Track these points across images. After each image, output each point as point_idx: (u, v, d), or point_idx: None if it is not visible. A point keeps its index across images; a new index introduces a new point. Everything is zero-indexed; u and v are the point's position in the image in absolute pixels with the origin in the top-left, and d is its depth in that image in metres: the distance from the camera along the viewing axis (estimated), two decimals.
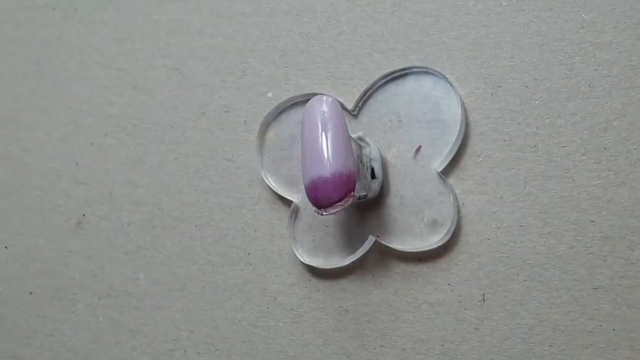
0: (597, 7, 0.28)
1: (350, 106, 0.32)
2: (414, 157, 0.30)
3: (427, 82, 0.30)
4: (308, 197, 0.28)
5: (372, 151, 0.30)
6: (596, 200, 0.27)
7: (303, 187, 0.30)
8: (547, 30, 0.29)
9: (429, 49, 0.31)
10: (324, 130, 0.27)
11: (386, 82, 0.31)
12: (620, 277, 0.27)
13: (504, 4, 0.30)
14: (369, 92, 0.31)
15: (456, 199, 0.29)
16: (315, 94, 0.31)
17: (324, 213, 0.28)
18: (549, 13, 0.29)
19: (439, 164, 0.30)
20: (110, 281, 0.37)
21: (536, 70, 0.29)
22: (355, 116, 0.32)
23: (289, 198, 0.33)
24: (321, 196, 0.27)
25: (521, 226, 0.28)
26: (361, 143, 0.30)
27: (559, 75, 0.29)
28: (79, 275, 0.38)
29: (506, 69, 0.29)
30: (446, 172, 0.30)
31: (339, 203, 0.27)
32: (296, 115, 0.33)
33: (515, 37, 0.29)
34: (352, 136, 0.30)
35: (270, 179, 0.33)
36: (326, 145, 0.27)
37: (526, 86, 0.29)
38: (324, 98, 0.28)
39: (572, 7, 0.29)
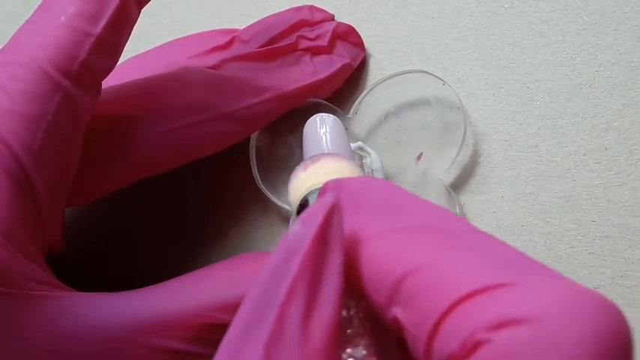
0: (598, 9, 0.29)
1: (348, 112, 0.31)
2: (416, 164, 0.30)
3: (425, 85, 0.30)
4: None
5: (373, 161, 0.30)
6: (596, 200, 0.27)
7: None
8: (548, 32, 0.29)
9: (431, 50, 0.31)
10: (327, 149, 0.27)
11: (383, 88, 0.30)
12: (621, 276, 0.27)
13: (506, 6, 0.30)
14: (366, 97, 0.31)
15: (461, 209, 0.29)
16: (313, 100, 0.31)
17: None
18: (551, 15, 0.29)
19: (443, 171, 0.29)
20: None
21: (538, 71, 0.29)
22: (352, 121, 0.31)
23: (288, 207, 0.31)
24: None
25: (522, 225, 0.28)
26: (362, 153, 0.30)
27: (560, 76, 0.29)
28: None
29: (507, 70, 0.30)
30: (449, 174, 0.29)
31: None
32: (293, 121, 0.32)
33: (517, 39, 0.30)
34: (352, 145, 0.29)
35: (266, 188, 0.31)
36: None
37: (527, 87, 0.29)
38: (325, 117, 0.28)
39: (574, 9, 0.29)
